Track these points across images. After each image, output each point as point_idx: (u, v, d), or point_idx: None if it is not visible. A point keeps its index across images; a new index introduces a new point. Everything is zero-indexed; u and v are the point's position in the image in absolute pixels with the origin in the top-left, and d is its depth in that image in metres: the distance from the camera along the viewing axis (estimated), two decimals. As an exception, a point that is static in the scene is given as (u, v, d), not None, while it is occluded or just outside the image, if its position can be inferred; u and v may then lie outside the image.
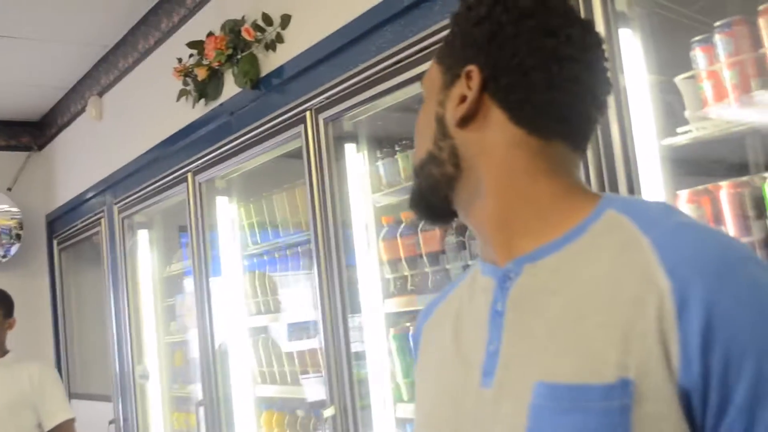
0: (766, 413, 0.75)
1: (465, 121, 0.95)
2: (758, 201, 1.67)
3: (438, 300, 1.09)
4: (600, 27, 1.75)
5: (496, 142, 0.94)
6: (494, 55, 0.94)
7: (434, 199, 1.00)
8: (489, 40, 0.94)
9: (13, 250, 5.17)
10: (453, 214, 1.02)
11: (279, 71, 2.82)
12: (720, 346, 0.76)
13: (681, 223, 0.86)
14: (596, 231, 0.89)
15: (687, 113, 1.78)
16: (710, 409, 0.77)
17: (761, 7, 1.65)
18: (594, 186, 1.74)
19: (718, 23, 1.72)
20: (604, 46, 0.99)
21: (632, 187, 1.70)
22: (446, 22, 1.97)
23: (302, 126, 2.64)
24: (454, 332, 0.99)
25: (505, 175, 0.94)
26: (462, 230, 2.29)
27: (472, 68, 0.95)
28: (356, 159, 2.64)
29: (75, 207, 4.86)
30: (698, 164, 1.85)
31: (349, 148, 2.63)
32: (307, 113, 2.62)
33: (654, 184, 1.76)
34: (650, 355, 0.78)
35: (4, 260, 5.12)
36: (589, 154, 1.74)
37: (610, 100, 1.71)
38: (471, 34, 0.96)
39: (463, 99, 0.95)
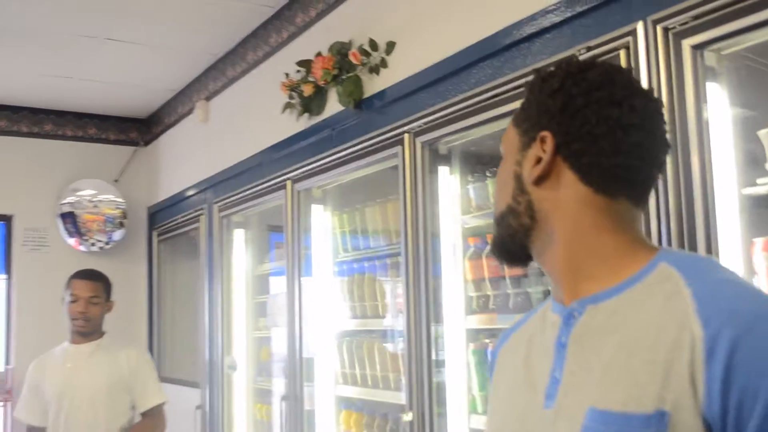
0: None
1: (540, 180, 1.10)
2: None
3: (513, 329, 1.25)
4: (689, 81, 1.87)
5: (567, 199, 1.09)
6: (566, 123, 1.09)
7: (513, 246, 1.15)
8: (561, 109, 1.09)
9: (116, 237, 5.50)
10: (529, 258, 1.16)
11: (381, 94, 3.01)
12: (736, 390, 0.90)
13: (720, 279, 1.00)
14: (649, 281, 1.02)
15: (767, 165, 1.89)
16: (731, 427, 0.91)
17: None
18: (674, 230, 1.86)
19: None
20: (664, 111, 1.13)
21: (709, 233, 1.81)
22: (540, 63, 2.15)
23: (400, 147, 2.82)
24: (526, 358, 1.14)
25: (574, 228, 1.09)
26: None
27: (546, 134, 1.10)
28: (449, 181, 2.81)
29: (176, 202, 5.16)
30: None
31: (443, 170, 2.80)
32: (406, 135, 2.80)
33: (732, 230, 1.87)
34: (683, 392, 0.92)
35: (107, 246, 5.45)
36: (671, 200, 1.87)
37: (694, 149, 1.85)
38: (545, 103, 1.11)
39: (538, 160, 1.10)
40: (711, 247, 1.81)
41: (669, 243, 1.87)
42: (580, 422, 0.99)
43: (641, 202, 1.12)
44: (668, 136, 1.14)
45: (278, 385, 3.86)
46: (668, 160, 1.84)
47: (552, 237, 1.11)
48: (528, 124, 1.13)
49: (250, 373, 4.30)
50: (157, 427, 3.44)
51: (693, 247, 1.83)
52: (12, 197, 5.30)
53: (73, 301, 3.31)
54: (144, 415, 3.41)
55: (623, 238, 1.09)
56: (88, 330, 3.35)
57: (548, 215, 1.11)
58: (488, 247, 2.66)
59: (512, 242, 1.15)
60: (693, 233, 1.83)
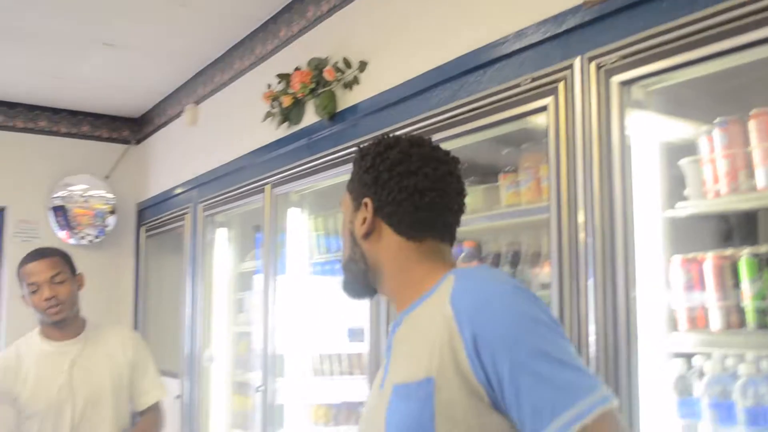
0: (523, 380, 1.19)
1: (367, 235, 1.48)
2: (735, 272, 1.99)
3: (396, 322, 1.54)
4: (615, 112, 2.09)
5: (387, 246, 1.47)
6: (378, 193, 1.46)
7: (357, 285, 1.54)
8: (374, 182, 1.46)
9: (105, 232, 5.70)
10: (374, 292, 1.53)
11: (353, 108, 3.23)
12: (485, 349, 1.23)
13: (477, 277, 1.36)
14: (439, 290, 1.37)
15: (687, 191, 2.11)
16: (496, 386, 1.22)
17: (753, 112, 1.98)
18: (599, 245, 2.07)
19: (717, 120, 2.05)
20: (457, 169, 1.49)
21: (627, 249, 2.03)
22: (494, 88, 2.35)
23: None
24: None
25: (394, 267, 1.47)
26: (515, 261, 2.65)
27: (368, 200, 1.47)
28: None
29: (163, 200, 5.36)
30: (691, 235, 2.17)
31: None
32: (374, 149, 3.02)
33: (653, 248, 2.09)
34: (443, 359, 1.26)
35: (96, 240, 5.65)
36: (597, 218, 2.09)
37: (617, 174, 2.07)
38: (363, 177, 1.49)
39: (363, 221, 1.47)
40: (628, 261, 2.03)
41: (594, 255, 2.09)
42: (389, 395, 1.37)
43: (446, 238, 1.49)
44: (462, 186, 1.50)
45: (255, 378, 4.07)
46: (596, 181, 2.08)
47: (382, 274, 1.49)
48: (356, 192, 1.51)
49: (229, 366, 4.51)
50: (160, 425, 3.03)
51: (613, 260, 2.04)
52: (5, 190, 5.50)
53: (34, 292, 2.77)
54: (143, 412, 2.99)
55: (429, 266, 1.45)
56: (65, 315, 2.81)
57: (376, 260, 1.48)
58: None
59: (356, 283, 1.54)
60: (613, 248, 2.05)
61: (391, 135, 1.55)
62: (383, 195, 1.45)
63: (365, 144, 1.54)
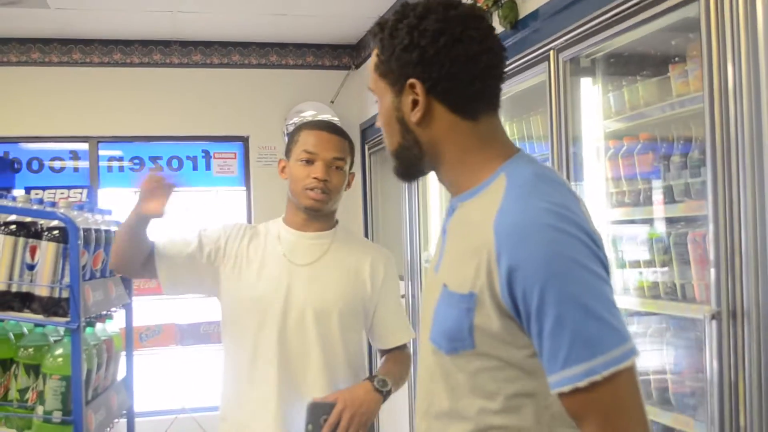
0: (547, 322, 1.20)
1: (421, 120, 1.39)
2: None
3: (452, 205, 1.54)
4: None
5: (444, 129, 1.39)
6: (428, 71, 1.35)
7: (411, 171, 1.49)
8: (419, 61, 1.35)
9: (335, 152, 6.24)
10: (424, 173, 1.49)
11: (534, 14, 3.36)
12: (518, 284, 1.23)
13: (528, 192, 1.29)
14: (490, 188, 1.36)
15: None
16: (524, 318, 1.26)
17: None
18: (747, 125, 2.12)
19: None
20: (490, 23, 1.39)
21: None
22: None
23: (546, 63, 3.19)
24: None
25: (454, 152, 1.41)
26: (665, 157, 2.73)
27: (414, 81, 1.36)
28: (591, 91, 3.14)
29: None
30: None
31: (585, 81, 3.13)
32: (551, 53, 3.16)
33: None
34: (484, 282, 1.28)
35: (327, 160, 6.22)
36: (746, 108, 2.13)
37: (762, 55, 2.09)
38: (402, 57, 1.37)
39: (415, 103, 1.37)
40: (776, 141, 2.06)
41: (743, 143, 2.13)
42: (440, 291, 1.41)
43: (497, 108, 1.43)
44: (501, 43, 1.41)
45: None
46: (743, 67, 2.11)
47: (439, 159, 1.44)
48: (393, 75, 1.40)
49: (444, 267, 4.88)
50: (408, 370, 2.51)
51: (761, 149, 2.08)
52: (247, 121, 6.22)
53: (308, 161, 2.31)
54: (386, 351, 2.49)
55: (486, 155, 1.40)
56: (326, 208, 2.35)
57: (432, 145, 1.41)
58: (624, 148, 2.99)
59: (410, 169, 1.49)
60: (761, 138, 2.09)
61: (408, 2, 1.43)
62: (434, 72, 1.34)
63: (383, 18, 1.45)
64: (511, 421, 1.33)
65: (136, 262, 2.38)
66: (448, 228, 1.47)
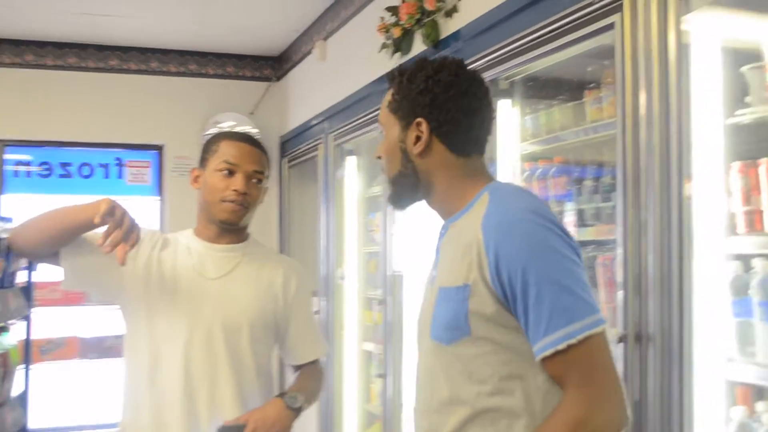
0: (530, 299, 1.44)
1: (422, 153, 1.65)
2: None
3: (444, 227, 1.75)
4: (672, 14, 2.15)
5: (439, 162, 1.66)
6: (436, 113, 1.64)
7: (406, 197, 1.73)
8: (431, 104, 1.63)
9: (253, 164, 6.15)
10: (415, 202, 1.73)
11: (456, 35, 3.38)
12: (504, 270, 1.47)
13: (507, 201, 1.57)
14: (475, 206, 1.60)
15: (749, 98, 2.15)
16: (511, 301, 1.48)
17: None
18: (658, 152, 2.16)
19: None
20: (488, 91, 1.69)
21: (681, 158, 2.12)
22: (572, 8, 2.43)
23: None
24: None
25: (446, 181, 1.67)
26: (578, 181, 2.78)
27: (421, 120, 1.64)
28: (509, 113, 3.17)
29: (301, 132, 5.73)
30: (752, 142, 2.21)
31: (504, 103, 3.16)
32: (471, 73, 3.18)
33: (715, 155, 2.16)
34: (476, 273, 1.51)
35: (245, 173, 6.13)
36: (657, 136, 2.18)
37: (674, 84, 2.14)
38: (416, 99, 1.65)
39: (418, 139, 1.65)
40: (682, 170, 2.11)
41: (653, 165, 2.18)
42: (436, 296, 1.62)
43: (483, 151, 1.71)
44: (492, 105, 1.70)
45: (381, 294, 4.37)
46: (655, 89, 2.16)
47: (433, 188, 1.69)
48: (402, 112, 1.67)
49: (360, 283, 4.86)
50: (321, 387, 2.46)
51: (669, 171, 2.13)
52: (163, 129, 6.08)
53: (226, 173, 2.21)
54: (298, 367, 2.42)
55: (473, 181, 1.67)
56: (242, 222, 2.27)
57: (427, 174, 1.67)
58: (539, 170, 3.03)
59: (405, 195, 1.73)
60: (669, 162, 2.14)
61: (426, 58, 1.72)
62: (441, 115, 1.62)
63: (402, 66, 1.72)
64: (505, 402, 1.50)
65: (47, 251, 2.18)
66: (441, 245, 1.69)
